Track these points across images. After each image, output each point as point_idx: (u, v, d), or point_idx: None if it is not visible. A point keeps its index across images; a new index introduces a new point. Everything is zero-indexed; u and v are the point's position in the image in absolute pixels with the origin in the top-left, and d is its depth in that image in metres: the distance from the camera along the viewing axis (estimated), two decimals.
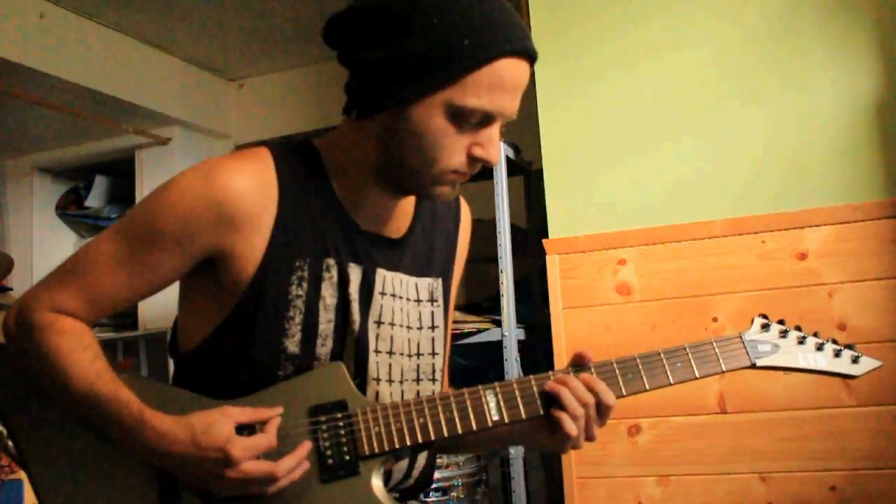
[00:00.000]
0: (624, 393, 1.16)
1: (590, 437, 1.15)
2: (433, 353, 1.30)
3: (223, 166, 1.12)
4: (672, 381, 1.16)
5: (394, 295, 1.22)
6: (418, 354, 1.27)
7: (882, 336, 2.09)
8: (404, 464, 1.23)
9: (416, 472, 1.26)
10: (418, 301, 1.27)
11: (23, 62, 3.05)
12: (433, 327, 1.30)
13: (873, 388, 2.08)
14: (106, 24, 3.44)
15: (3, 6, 2.99)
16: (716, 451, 2.21)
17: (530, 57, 1.09)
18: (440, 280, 1.32)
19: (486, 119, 1.08)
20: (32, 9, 3.13)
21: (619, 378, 1.16)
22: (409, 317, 1.25)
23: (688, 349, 1.18)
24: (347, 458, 1.11)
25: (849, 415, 2.10)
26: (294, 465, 1.08)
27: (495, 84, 1.05)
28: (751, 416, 2.19)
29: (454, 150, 1.09)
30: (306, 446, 1.10)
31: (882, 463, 2.07)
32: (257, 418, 1.09)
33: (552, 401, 1.13)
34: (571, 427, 1.11)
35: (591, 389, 1.13)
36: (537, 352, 2.75)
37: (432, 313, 1.30)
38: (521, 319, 2.57)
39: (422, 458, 1.26)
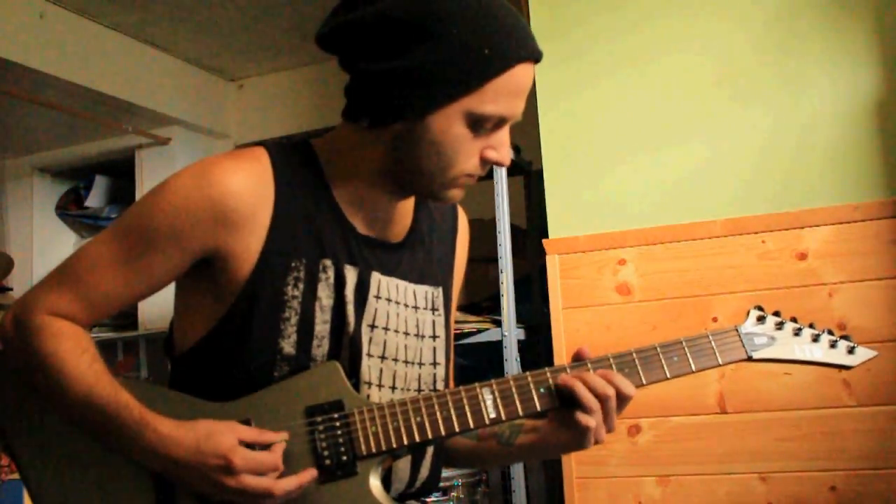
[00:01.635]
0: None
1: (610, 429, 1.14)
2: (434, 363, 1.29)
3: (219, 165, 1.11)
4: (669, 375, 1.16)
5: (389, 300, 1.21)
6: (420, 364, 1.26)
7: (882, 336, 2.08)
8: (406, 474, 1.22)
9: (418, 483, 1.25)
10: (416, 308, 1.26)
11: (23, 62, 3.03)
12: (434, 337, 1.29)
13: (873, 388, 2.08)
14: (106, 24, 3.42)
15: (3, 6, 2.98)
16: (716, 451, 2.21)
17: (538, 60, 1.11)
18: (440, 289, 1.31)
19: (499, 123, 1.10)
20: (32, 9, 3.11)
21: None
22: (406, 323, 1.24)
23: (684, 343, 1.17)
24: (345, 458, 1.10)
25: (849, 415, 2.10)
26: (294, 488, 1.07)
27: (511, 90, 1.07)
28: (751, 416, 2.18)
29: (469, 155, 1.10)
30: (310, 473, 1.09)
31: (882, 463, 2.06)
32: (262, 440, 1.08)
33: (568, 397, 1.12)
34: (588, 420, 1.11)
35: (609, 382, 1.12)
36: (537, 352, 2.75)
37: (433, 322, 1.29)
38: (521, 319, 2.57)
39: (425, 469, 1.25)
